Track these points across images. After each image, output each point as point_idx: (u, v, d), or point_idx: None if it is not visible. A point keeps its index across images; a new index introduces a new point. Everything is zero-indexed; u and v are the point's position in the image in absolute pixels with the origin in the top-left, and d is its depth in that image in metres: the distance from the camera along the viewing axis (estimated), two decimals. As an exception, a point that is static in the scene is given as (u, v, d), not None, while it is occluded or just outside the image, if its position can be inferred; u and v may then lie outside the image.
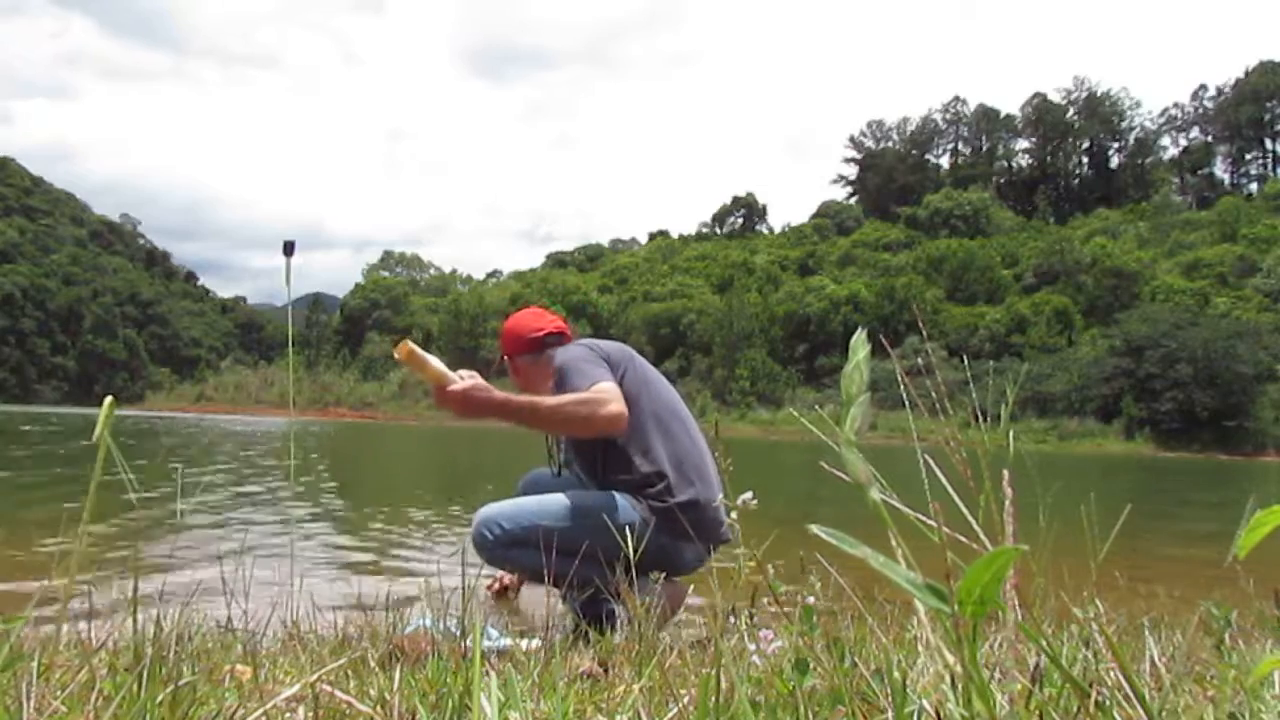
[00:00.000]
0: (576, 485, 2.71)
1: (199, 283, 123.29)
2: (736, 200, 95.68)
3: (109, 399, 0.82)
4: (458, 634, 1.40)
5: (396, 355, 2.38)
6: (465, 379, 2.42)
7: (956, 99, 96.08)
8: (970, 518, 0.74)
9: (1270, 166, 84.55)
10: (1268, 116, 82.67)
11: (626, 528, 2.25)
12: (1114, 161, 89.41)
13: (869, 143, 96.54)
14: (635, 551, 2.11)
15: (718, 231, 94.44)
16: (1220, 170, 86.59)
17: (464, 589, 1.51)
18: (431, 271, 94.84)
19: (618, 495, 2.49)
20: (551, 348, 2.74)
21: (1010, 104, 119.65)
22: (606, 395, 2.37)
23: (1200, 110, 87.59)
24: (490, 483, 10.34)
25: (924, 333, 1.58)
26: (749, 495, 1.55)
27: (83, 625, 1.45)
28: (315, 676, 0.90)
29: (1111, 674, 0.74)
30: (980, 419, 0.99)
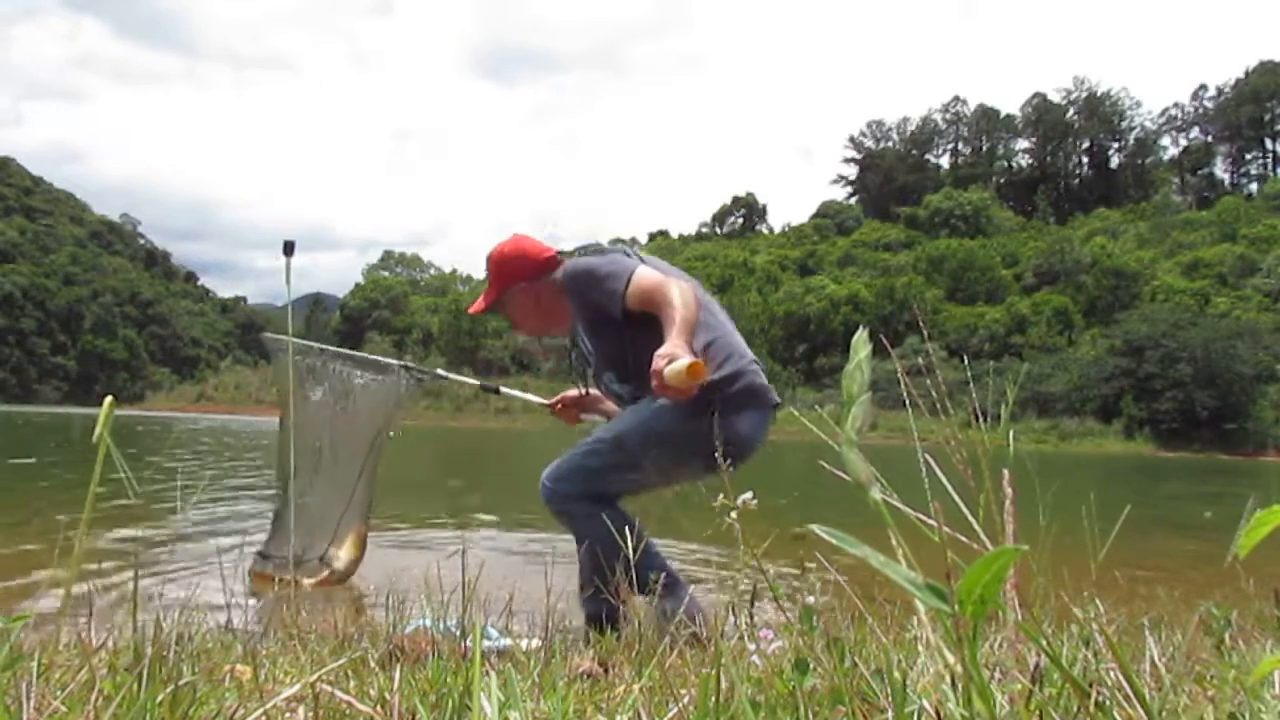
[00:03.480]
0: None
1: (199, 282, 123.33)
2: (736, 200, 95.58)
3: (109, 399, 0.82)
4: (458, 634, 1.40)
5: (691, 377, 2.06)
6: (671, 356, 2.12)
7: (956, 99, 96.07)
8: (970, 518, 0.74)
9: (1270, 166, 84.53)
10: (1268, 116, 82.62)
11: (672, 432, 2.28)
12: (1114, 161, 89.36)
13: (869, 143, 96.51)
14: (686, 445, 2.21)
15: (718, 231, 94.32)
16: (1220, 170, 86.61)
17: (464, 589, 1.51)
18: (431, 271, 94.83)
19: (650, 403, 2.39)
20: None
21: (1010, 104, 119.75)
22: (668, 279, 2.27)
23: (1200, 110, 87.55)
24: (492, 481, 10.34)
25: (924, 333, 1.58)
26: (749, 495, 1.55)
27: (83, 625, 1.45)
28: (315, 676, 0.90)
29: (1111, 674, 0.74)
30: (980, 419, 0.99)
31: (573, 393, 2.90)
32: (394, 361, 3.27)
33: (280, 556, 3.13)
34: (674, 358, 2.05)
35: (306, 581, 3.11)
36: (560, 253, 2.66)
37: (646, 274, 2.32)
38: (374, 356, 3.33)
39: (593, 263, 2.43)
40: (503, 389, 3.07)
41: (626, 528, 2.21)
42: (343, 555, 3.23)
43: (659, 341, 2.27)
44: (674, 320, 2.17)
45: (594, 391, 2.77)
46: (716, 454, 2.28)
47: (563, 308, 2.61)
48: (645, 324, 2.32)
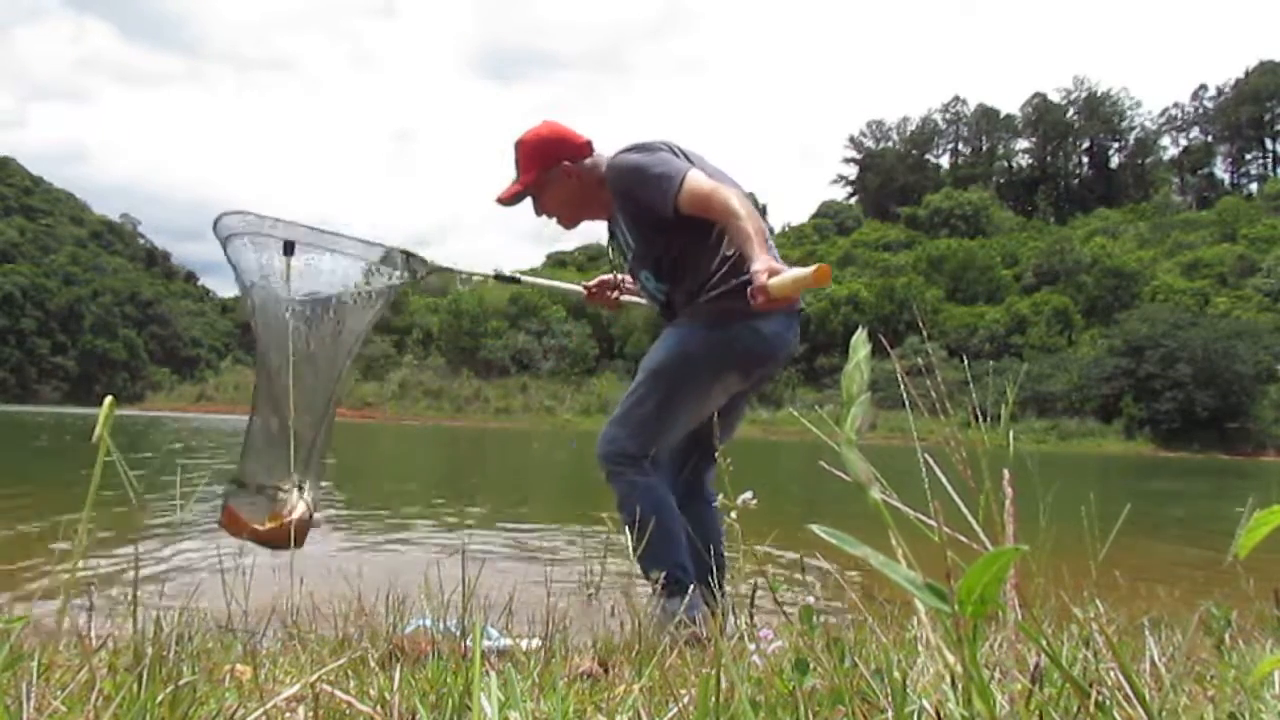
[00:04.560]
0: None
1: (199, 282, 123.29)
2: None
3: (109, 399, 0.82)
4: (458, 634, 1.40)
5: (818, 283, 2.00)
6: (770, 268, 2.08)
7: (956, 99, 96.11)
8: (970, 518, 0.74)
9: (1270, 166, 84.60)
10: (1268, 116, 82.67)
11: (706, 346, 2.33)
12: (1114, 161, 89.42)
13: (869, 143, 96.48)
14: (720, 357, 2.31)
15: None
16: (1220, 170, 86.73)
17: (464, 589, 1.51)
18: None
19: (673, 331, 2.44)
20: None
21: (1010, 104, 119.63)
22: (720, 186, 2.25)
23: (1200, 110, 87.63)
24: (492, 481, 10.34)
25: (924, 333, 1.59)
26: (749, 495, 1.55)
27: (83, 625, 1.45)
28: (315, 676, 0.90)
29: (1111, 674, 0.74)
30: (980, 419, 0.99)
31: (607, 276, 2.84)
32: (386, 245, 2.76)
33: (262, 485, 2.65)
34: (774, 271, 2.02)
35: (269, 524, 2.65)
36: (590, 144, 2.56)
37: (700, 178, 2.27)
38: (360, 238, 2.77)
39: (642, 160, 2.35)
40: (523, 278, 2.81)
41: (667, 508, 2.31)
42: (307, 497, 2.71)
43: (703, 245, 2.35)
44: (748, 234, 2.12)
45: (628, 278, 2.72)
46: (749, 356, 2.37)
47: (600, 198, 2.51)
48: (690, 226, 2.32)
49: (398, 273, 2.73)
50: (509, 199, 2.54)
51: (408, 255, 2.75)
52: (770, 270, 2.02)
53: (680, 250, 2.40)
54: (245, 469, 2.71)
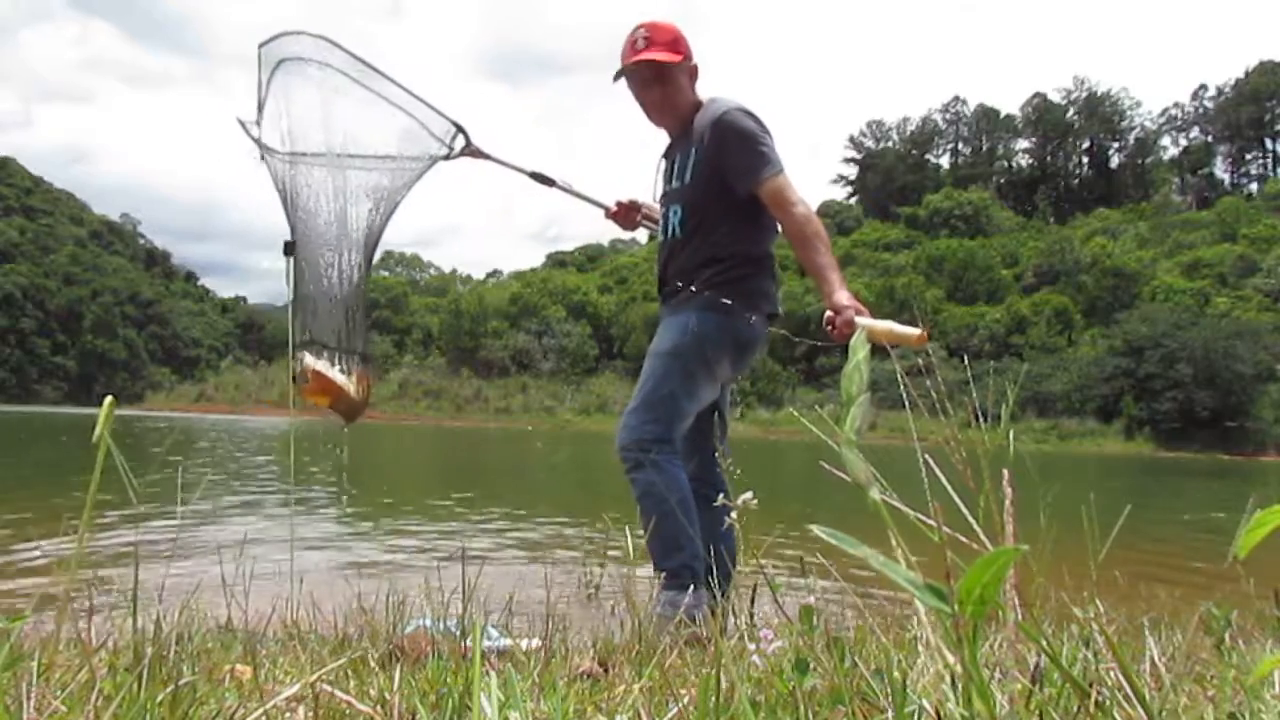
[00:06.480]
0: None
1: (199, 282, 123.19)
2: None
3: (109, 399, 0.82)
4: (458, 634, 1.40)
5: (917, 343, 2.06)
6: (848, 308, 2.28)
7: (956, 99, 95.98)
8: (970, 518, 0.74)
9: (1270, 166, 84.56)
10: (1268, 116, 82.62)
11: (716, 330, 2.43)
12: (1114, 161, 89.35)
13: (869, 143, 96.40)
14: (722, 342, 2.42)
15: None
16: (1220, 170, 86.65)
17: (464, 589, 1.51)
18: (431, 271, 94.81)
19: (682, 318, 2.50)
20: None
21: (1010, 104, 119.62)
22: (807, 204, 2.44)
23: (1200, 110, 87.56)
24: (491, 480, 10.34)
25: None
26: (749, 495, 1.55)
27: (83, 625, 1.45)
28: (315, 676, 0.90)
29: (1111, 674, 0.74)
30: (980, 419, 0.99)
31: (636, 199, 2.93)
32: (441, 112, 2.55)
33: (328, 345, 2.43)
34: (861, 310, 2.23)
35: (345, 380, 2.47)
36: None
37: (789, 184, 2.42)
38: (419, 97, 2.54)
39: (754, 130, 2.46)
40: (558, 181, 2.82)
41: (688, 499, 2.34)
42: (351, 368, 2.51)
43: (738, 227, 2.48)
44: (831, 264, 2.33)
45: (654, 202, 2.80)
46: (741, 345, 2.45)
47: (683, 118, 2.60)
48: (744, 206, 2.46)
49: (440, 147, 2.58)
50: (646, 64, 2.53)
51: (459, 126, 2.63)
52: (857, 308, 2.22)
53: (718, 215, 2.49)
54: (312, 330, 2.50)
